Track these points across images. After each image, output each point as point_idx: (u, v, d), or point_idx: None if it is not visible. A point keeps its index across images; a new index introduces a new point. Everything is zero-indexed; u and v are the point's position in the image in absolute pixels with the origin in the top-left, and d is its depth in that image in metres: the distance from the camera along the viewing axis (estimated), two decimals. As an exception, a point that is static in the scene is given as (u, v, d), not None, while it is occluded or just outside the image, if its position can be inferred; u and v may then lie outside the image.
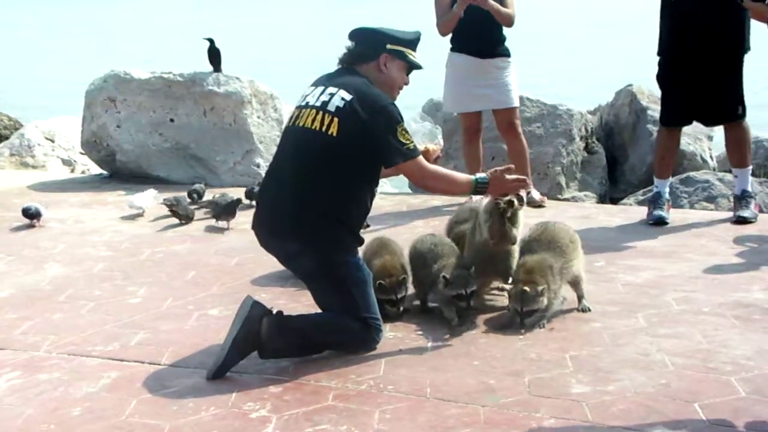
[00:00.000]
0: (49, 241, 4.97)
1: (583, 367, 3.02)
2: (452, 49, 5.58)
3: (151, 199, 5.68)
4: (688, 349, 3.16)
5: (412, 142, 3.23)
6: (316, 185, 3.15)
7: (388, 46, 3.32)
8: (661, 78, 5.17)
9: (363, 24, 3.52)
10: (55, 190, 6.41)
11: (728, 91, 4.97)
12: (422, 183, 3.36)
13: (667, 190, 5.26)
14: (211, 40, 6.60)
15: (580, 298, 3.60)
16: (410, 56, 3.37)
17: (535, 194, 5.59)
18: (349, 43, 3.38)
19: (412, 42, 3.39)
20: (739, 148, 5.12)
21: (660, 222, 5.02)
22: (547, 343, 3.25)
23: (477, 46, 5.46)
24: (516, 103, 5.61)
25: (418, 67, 3.42)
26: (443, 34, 5.52)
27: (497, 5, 5.31)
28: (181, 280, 4.22)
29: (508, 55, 5.54)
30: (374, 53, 3.32)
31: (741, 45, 4.96)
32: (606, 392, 2.82)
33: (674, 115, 5.16)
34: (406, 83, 3.41)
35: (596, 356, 3.12)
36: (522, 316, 3.34)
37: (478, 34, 5.42)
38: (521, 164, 5.49)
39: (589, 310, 3.55)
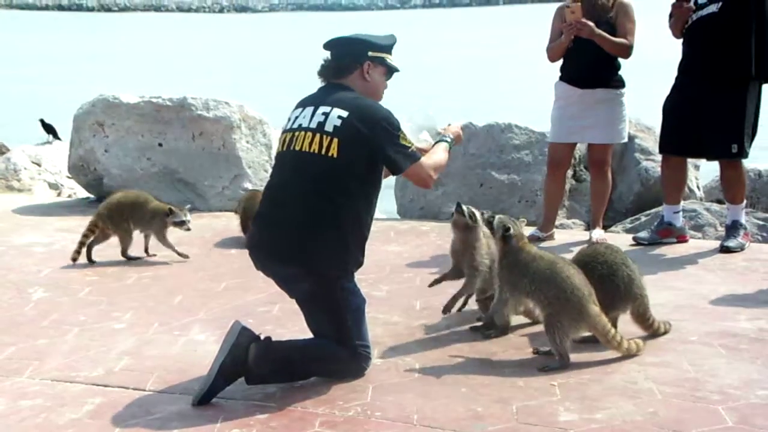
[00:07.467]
0: (33, 266, 4.93)
1: (570, 395, 3.01)
2: (560, 77, 5.33)
3: None
4: (675, 378, 3.16)
5: (412, 144, 3.26)
6: (318, 209, 3.12)
7: (370, 54, 3.33)
8: (664, 102, 5.18)
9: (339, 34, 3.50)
10: (41, 214, 6.37)
11: (725, 125, 4.89)
12: (428, 182, 3.33)
13: (675, 216, 5.25)
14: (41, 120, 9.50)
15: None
16: (389, 61, 3.40)
17: (596, 234, 5.32)
18: (326, 55, 3.37)
19: (391, 47, 3.42)
20: (731, 188, 5.13)
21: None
22: (535, 370, 3.24)
23: (577, 75, 5.19)
24: (614, 140, 5.29)
25: (397, 70, 3.44)
26: (551, 60, 5.30)
27: (606, 35, 5.00)
28: (168, 305, 4.19)
29: (618, 87, 5.21)
30: (357, 62, 3.32)
31: (748, 81, 4.87)
32: (593, 420, 2.81)
33: (664, 142, 5.19)
34: (386, 87, 3.44)
35: (584, 384, 3.11)
36: None
37: (580, 63, 5.16)
38: (597, 204, 5.40)
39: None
